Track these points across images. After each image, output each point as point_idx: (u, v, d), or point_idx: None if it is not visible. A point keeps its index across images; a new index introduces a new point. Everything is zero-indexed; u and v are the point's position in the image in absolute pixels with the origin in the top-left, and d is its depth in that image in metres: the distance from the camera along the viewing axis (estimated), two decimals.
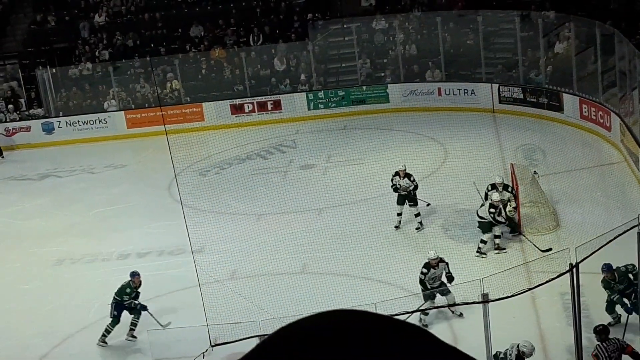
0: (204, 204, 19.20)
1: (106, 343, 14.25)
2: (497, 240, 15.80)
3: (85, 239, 18.71)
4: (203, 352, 12.70)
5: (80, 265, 17.56)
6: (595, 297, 13.28)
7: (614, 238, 11.10)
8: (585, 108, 22.01)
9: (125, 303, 14.16)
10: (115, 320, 14.21)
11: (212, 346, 12.67)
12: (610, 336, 11.23)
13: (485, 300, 11.14)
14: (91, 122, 27.20)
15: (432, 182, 18.62)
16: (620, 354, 10.92)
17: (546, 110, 23.24)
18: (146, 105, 27.48)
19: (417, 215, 17.06)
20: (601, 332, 11.15)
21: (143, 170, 23.40)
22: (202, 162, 22.50)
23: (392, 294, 13.11)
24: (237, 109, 26.59)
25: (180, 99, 27.54)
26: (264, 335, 10.59)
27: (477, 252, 15.67)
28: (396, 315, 10.31)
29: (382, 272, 15.09)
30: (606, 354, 10.89)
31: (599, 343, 11.11)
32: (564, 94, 22.98)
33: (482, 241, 15.71)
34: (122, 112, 27.37)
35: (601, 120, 21.26)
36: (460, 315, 13.67)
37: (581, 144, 21.12)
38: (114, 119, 27.17)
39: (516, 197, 16.31)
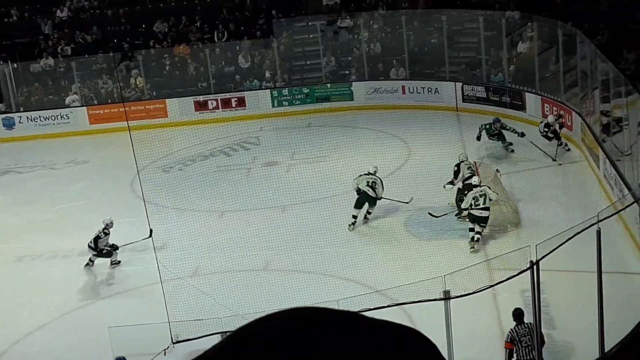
0: (166, 201, 19.06)
1: None
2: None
3: (46, 236, 18.50)
4: (164, 349, 12.63)
5: (41, 262, 17.36)
6: (555, 294, 13.44)
7: (574, 236, 11.22)
8: (547, 107, 22.21)
9: None
10: None
11: (174, 343, 12.61)
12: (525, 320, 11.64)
13: (447, 297, 11.19)
14: (53, 118, 26.92)
15: (395, 180, 18.68)
16: (530, 339, 11.32)
17: (509, 109, 23.40)
18: (109, 101, 27.26)
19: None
20: (518, 316, 11.64)
21: (105, 167, 23.18)
22: (165, 158, 22.32)
23: (355, 291, 13.12)
24: (201, 106, 26.47)
25: (143, 95, 27.36)
26: (226, 332, 10.57)
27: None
28: (360, 312, 10.32)
29: (344, 269, 15.12)
30: (517, 338, 11.41)
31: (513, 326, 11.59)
32: (527, 93, 23.18)
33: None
34: (85, 107, 27.13)
35: (562, 120, 21.44)
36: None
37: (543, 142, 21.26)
38: (76, 114, 26.91)
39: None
